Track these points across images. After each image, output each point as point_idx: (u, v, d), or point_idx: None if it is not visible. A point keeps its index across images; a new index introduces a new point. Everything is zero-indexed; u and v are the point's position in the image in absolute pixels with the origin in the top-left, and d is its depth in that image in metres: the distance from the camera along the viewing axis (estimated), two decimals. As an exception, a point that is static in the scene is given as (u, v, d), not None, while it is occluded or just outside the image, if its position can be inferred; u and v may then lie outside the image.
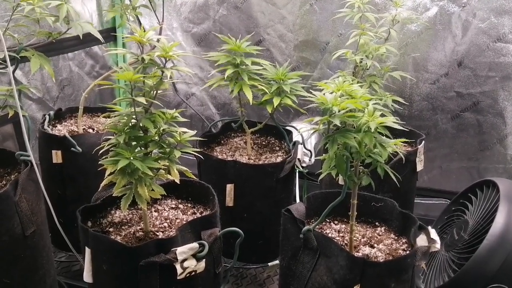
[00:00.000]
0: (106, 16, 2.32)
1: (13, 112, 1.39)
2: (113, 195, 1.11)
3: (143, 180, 1.07)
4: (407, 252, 1.20)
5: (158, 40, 1.13)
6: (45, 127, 1.66)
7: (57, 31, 1.48)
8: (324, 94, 1.07)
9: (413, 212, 1.87)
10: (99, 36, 1.42)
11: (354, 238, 1.24)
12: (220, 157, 1.68)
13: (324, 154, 1.10)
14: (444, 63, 2.07)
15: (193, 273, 1.12)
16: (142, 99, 1.05)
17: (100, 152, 1.11)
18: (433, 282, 1.57)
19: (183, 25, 2.45)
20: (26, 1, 1.31)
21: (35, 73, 1.86)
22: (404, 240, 1.26)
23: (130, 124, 1.11)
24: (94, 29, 1.43)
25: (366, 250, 1.22)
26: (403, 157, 1.23)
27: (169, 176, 1.16)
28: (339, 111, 1.02)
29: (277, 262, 1.74)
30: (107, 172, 1.09)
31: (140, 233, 1.21)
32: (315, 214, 1.32)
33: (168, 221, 1.27)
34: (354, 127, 1.05)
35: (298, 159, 1.70)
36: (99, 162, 1.07)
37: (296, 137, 1.80)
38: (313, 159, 1.86)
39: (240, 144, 1.81)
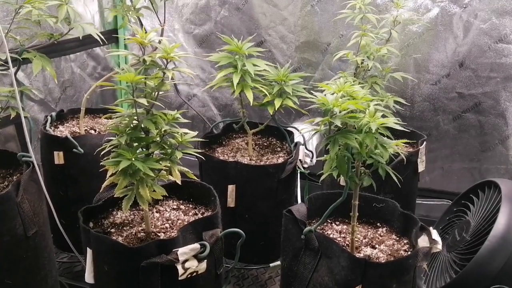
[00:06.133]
0: (107, 16, 2.33)
1: (15, 113, 1.40)
2: (114, 196, 1.12)
3: (144, 181, 1.08)
4: (409, 253, 1.20)
5: (159, 42, 1.14)
6: (47, 128, 1.67)
7: (58, 33, 1.48)
8: (325, 95, 1.07)
9: (415, 213, 1.86)
10: (99, 38, 1.42)
11: (356, 239, 1.24)
12: (221, 158, 1.68)
13: (325, 155, 1.11)
14: (446, 64, 2.07)
15: (195, 273, 1.12)
16: (143, 100, 1.05)
17: (102, 153, 1.12)
18: (435, 283, 1.57)
19: (185, 27, 2.46)
20: (29, 2, 1.31)
21: (37, 75, 1.87)
22: (405, 241, 1.26)
23: (132, 125, 1.11)
24: (95, 30, 1.43)
25: (367, 251, 1.22)
26: (404, 158, 1.23)
27: (170, 177, 1.16)
28: (340, 112, 1.03)
29: (278, 263, 1.74)
30: (109, 173, 1.09)
31: (142, 234, 1.21)
32: (317, 215, 1.32)
33: (169, 222, 1.27)
34: (355, 128, 1.05)
35: (300, 160, 1.70)
36: (101, 163, 1.08)
37: (297, 138, 1.80)
38: (314, 160, 1.85)
39: (241, 145, 1.81)
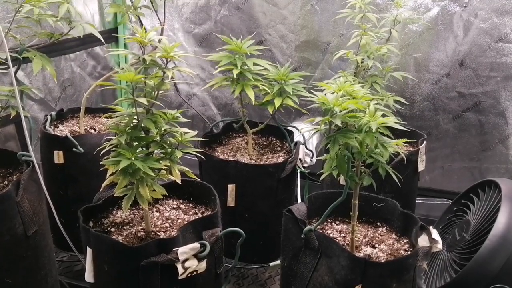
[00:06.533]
0: (107, 15, 2.33)
1: (15, 113, 1.40)
2: (114, 195, 1.12)
3: (144, 180, 1.08)
4: (409, 252, 1.20)
5: (159, 41, 1.14)
6: (47, 127, 1.67)
7: (59, 32, 1.48)
8: (325, 94, 1.07)
9: (415, 212, 1.86)
10: (99, 37, 1.42)
11: (356, 239, 1.24)
12: (221, 157, 1.68)
13: (325, 154, 1.11)
14: (446, 63, 2.07)
15: (195, 273, 1.12)
16: (143, 100, 1.05)
17: (102, 152, 1.12)
18: (435, 283, 1.57)
19: (185, 26, 2.46)
20: (29, 1, 1.31)
21: (37, 74, 1.87)
22: (405, 241, 1.26)
23: (132, 125, 1.11)
24: (95, 29, 1.43)
25: (367, 250, 1.22)
26: (404, 157, 1.23)
27: (170, 177, 1.16)
28: (340, 111, 1.02)
29: (278, 262, 1.74)
30: (109, 172, 1.09)
31: (142, 233, 1.21)
32: (317, 215, 1.32)
33: (169, 221, 1.27)
34: (356, 128, 1.05)
35: (300, 159, 1.70)
36: (101, 163, 1.08)
37: (297, 137, 1.80)
38: (314, 159, 1.86)
39: (241, 145, 1.81)
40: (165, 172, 1.15)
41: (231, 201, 1.59)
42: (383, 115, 1.06)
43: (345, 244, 1.24)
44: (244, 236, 1.21)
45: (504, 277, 1.37)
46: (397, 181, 1.11)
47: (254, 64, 1.55)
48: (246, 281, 1.85)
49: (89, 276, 1.17)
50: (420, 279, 1.65)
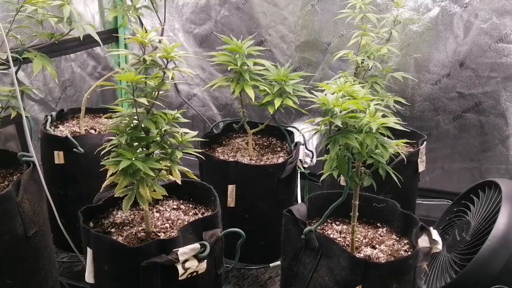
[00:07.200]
0: (107, 16, 2.33)
1: (16, 113, 1.40)
2: (115, 195, 1.12)
3: (144, 180, 1.08)
4: (409, 253, 1.20)
5: (159, 41, 1.14)
6: (47, 128, 1.67)
7: (59, 32, 1.48)
8: (325, 94, 1.07)
9: (415, 213, 1.86)
10: (97, 39, 1.42)
11: (356, 239, 1.24)
12: (221, 157, 1.68)
13: (325, 155, 1.11)
14: (446, 63, 2.07)
15: (195, 273, 1.12)
16: (143, 100, 1.05)
17: (102, 152, 1.12)
18: (435, 283, 1.57)
19: (185, 26, 2.46)
20: (29, 2, 1.31)
21: (38, 74, 1.86)
22: (405, 241, 1.26)
23: (132, 125, 1.11)
24: (93, 31, 1.43)
25: (367, 251, 1.22)
26: (404, 158, 1.23)
27: (170, 177, 1.16)
28: (340, 111, 1.03)
29: (278, 263, 1.74)
30: (109, 173, 1.09)
31: (142, 233, 1.21)
32: (317, 215, 1.32)
33: (169, 221, 1.27)
34: (356, 128, 1.05)
35: (300, 160, 1.70)
36: (101, 163, 1.08)
37: (297, 137, 1.80)
38: (314, 160, 1.86)
39: (241, 145, 1.81)
40: (165, 172, 1.15)
41: (231, 202, 1.59)
42: (383, 116, 1.06)
43: (345, 244, 1.24)
44: (244, 236, 1.21)
45: (504, 278, 1.37)
46: (397, 181, 1.11)
47: (255, 64, 1.56)
48: (246, 281, 1.85)
49: (89, 277, 1.17)
50: (420, 280, 1.65)
